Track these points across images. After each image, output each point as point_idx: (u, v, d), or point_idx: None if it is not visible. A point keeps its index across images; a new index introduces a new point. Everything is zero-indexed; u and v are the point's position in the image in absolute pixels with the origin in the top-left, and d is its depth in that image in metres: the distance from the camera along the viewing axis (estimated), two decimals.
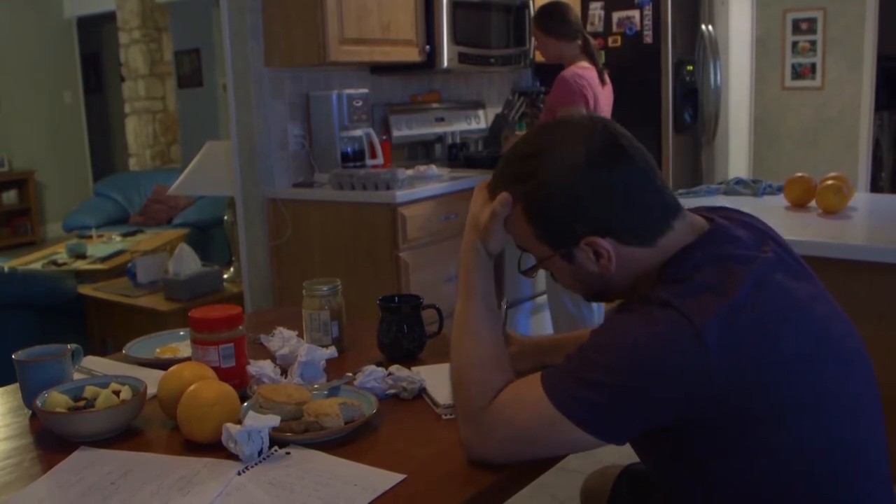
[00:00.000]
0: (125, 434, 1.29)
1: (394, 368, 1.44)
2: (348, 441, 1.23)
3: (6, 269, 3.63)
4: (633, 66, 4.51)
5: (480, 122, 4.54)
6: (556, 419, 1.07)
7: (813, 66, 5.57)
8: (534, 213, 1.17)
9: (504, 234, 1.22)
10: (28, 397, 1.37)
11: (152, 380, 1.37)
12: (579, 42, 3.56)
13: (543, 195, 1.15)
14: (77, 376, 1.47)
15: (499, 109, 4.47)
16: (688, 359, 1.02)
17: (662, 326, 1.03)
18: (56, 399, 1.30)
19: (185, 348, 1.63)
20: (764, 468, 1.07)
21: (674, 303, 1.04)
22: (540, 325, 4.05)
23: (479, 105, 4.59)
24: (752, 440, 1.06)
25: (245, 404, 1.29)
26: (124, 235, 5.45)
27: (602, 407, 1.06)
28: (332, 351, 1.50)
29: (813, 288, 1.16)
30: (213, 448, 1.20)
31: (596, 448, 1.10)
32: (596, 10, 4.61)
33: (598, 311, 3.60)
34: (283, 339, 1.60)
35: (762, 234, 1.20)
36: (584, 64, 3.53)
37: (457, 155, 4.24)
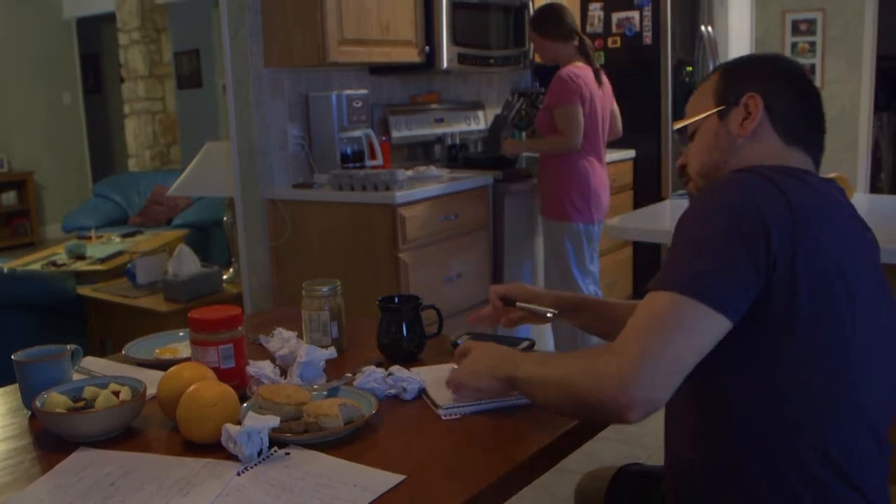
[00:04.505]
0: (125, 435, 1.29)
1: (394, 369, 1.44)
2: (348, 442, 1.23)
3: (6, 269, 3.63)
4: (632, 67, 4.52)
5: (480, 122, 4.54)
6: (681, 305, 1.08)
7: (812, 66, 5.57)
8: (730, 67, 1.32)
9: None
10: (27, 398, 1.37)
11: (152, 380, 1.37)
12: (575, 43, 3.58)
13: (746, 60, 1.34)
14: (76, 377, 1.47)
15: (498, 110, 4.47)
16: (776, 209, 1.10)
17: (753, 182, 1.13)
18: (55, 400, 1.30)
19: (184, 349, 1.63)
20: (800, 371, 1.11)
21: (758, 170, 1.16)
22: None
23: (478, 106, 4.59)
24: (790, 339, 1.10)
25: (245, 405, 1.29)
26: (124, 236, 5.45)
27: (716, 272, 1.09)
28: (331, 351, 1.50)
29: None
30: (213, 449, 1.20)
31: (718, 339, 1.10)
32: (595, 11, 4.62)
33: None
34: (282, 340, 1.60)
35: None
36: (580, 64, 3.55)
37: (456, 155, 4.24)
